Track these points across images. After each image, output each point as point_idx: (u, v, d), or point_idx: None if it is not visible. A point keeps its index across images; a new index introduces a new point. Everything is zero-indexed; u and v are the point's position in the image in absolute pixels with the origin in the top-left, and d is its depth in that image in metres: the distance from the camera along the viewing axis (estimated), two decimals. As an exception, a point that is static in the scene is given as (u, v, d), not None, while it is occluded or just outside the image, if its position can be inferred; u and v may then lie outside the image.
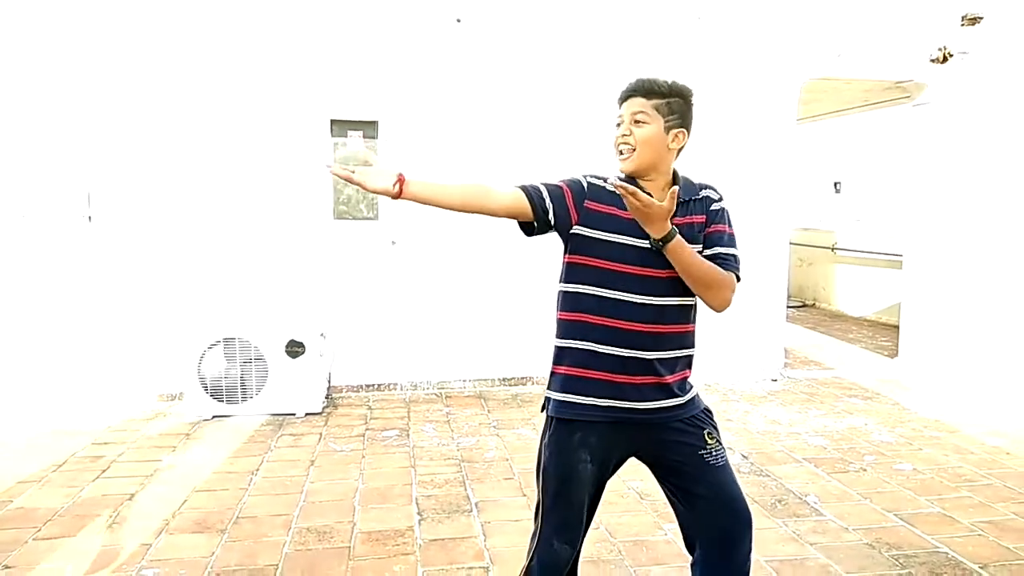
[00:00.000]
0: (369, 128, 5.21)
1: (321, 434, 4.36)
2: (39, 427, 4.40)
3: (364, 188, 1.74)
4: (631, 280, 1.81)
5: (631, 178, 1.89)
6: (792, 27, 5.62)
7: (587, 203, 1.84)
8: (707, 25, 5.52)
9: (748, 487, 3.53)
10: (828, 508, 3.38)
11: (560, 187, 1.87)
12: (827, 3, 5.63)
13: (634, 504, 3.39)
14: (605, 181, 1.87)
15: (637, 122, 1.84)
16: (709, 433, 1.89)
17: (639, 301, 1.81)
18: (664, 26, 5.47)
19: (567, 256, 1.90)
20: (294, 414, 4.69)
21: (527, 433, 4.41)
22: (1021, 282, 5.47)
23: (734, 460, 3.92)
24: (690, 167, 1.96)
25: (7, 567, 2.77)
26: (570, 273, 1.88)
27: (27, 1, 4.64)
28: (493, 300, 5.42)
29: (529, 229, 1.89)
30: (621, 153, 1.88)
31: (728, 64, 5.58)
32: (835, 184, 9.78)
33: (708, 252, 1.85)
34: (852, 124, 9.01)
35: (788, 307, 6.48)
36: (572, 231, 1.85)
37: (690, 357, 1.93)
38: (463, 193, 1.80)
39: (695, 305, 1.91)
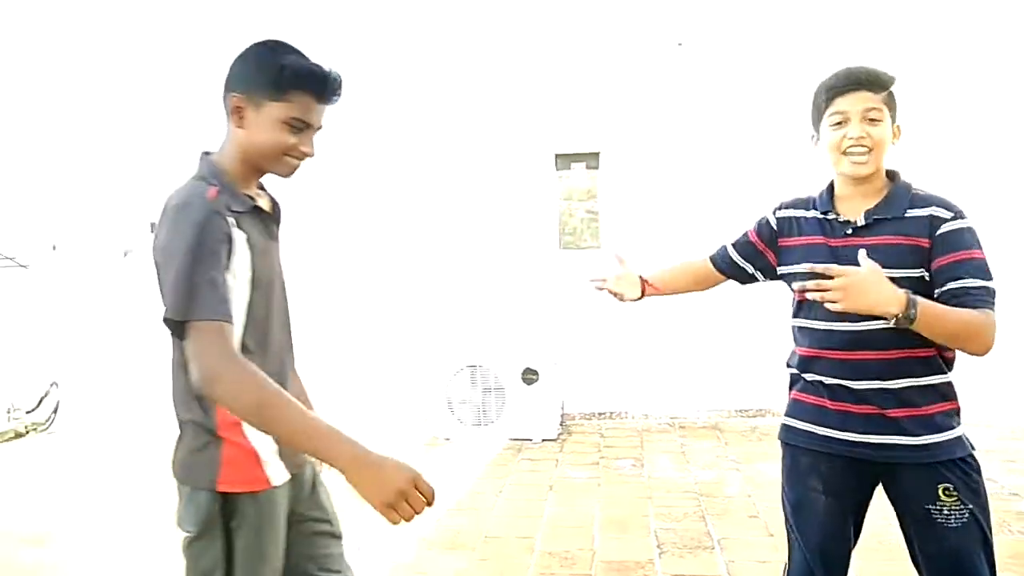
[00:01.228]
0: (591, 159, 5.35)
1: (557, 460, 4.48)
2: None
3: (622, 300, 2.18)
4: (820, 307, 1.63)
5: (830, 187, 1.79)
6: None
7: (780, 241, 1.86)
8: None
9: (1047, 543, 3.01)
10: None
11: (748, 238, 1.95)
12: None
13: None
14: (802, 204, 1.84)
15: (872, 120, 1.66)
16: (946, 489, 1.61)
17: (831, 328, 1.70)
18: (905, 36, 4.98)
19: None
20: (530, 439, 4.87)
21: (769, 469, 4.17)
22: None
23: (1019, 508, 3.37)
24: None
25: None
26: (793, 303, 1.88)
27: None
28: (726, 329, 5.23)
29: (741, 280, 2.03)
30: (852, 155, 1.68)
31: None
32: None
33: (952, 286, 1.56)
34: None
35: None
36: (779, 272, 1.88)
37: (931, 388, 1.65)
38: (683, 283, 2.19)
39: None
